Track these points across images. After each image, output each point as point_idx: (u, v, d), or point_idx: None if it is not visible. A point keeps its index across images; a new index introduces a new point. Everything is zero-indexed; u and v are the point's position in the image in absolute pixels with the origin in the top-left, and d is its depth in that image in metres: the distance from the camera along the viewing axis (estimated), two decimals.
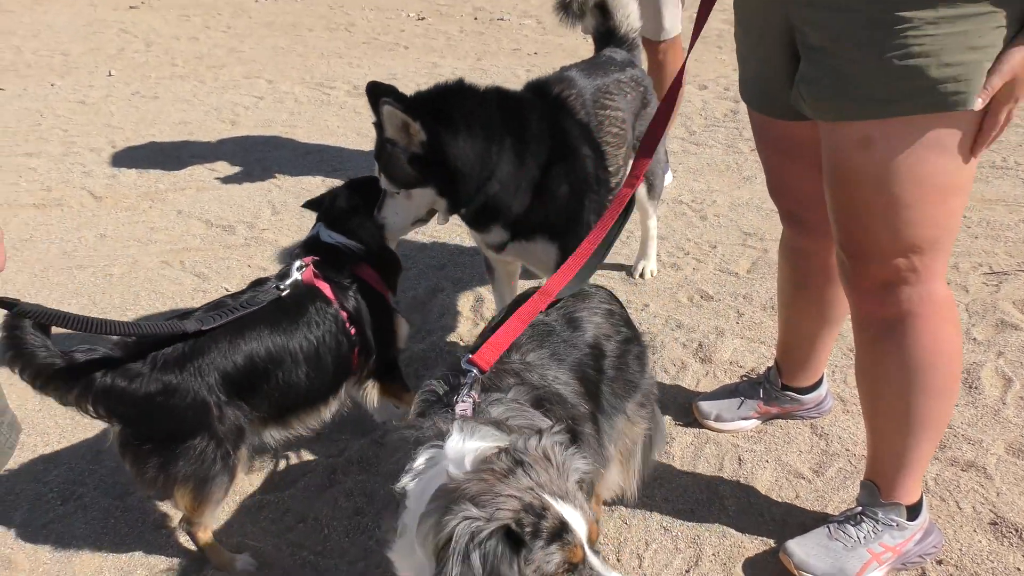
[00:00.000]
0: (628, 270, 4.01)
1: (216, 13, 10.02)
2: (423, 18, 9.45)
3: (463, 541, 1.39)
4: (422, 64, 7.64)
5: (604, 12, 3.40)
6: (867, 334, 2.18)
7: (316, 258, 2.60)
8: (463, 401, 1.75)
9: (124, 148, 5.90)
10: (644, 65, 3.66)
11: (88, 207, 5.00)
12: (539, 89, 3.01)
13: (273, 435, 2.53)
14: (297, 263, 2.55)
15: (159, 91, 7.15)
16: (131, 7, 10.35)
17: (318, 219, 2.78)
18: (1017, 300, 3.57)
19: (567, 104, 2.93)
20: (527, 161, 2.72)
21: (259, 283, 2.57)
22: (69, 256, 4.43)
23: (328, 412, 2.66)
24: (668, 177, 4.87)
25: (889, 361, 2.14)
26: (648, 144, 2.27)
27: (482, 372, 1.83)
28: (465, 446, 1.56)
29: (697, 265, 4.03)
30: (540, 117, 2.80)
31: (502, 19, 9.13)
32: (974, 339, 3.34)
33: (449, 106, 2.61)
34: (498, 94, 2.79)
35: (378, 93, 2.66)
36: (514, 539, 1.40)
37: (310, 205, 2.86)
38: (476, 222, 2.85)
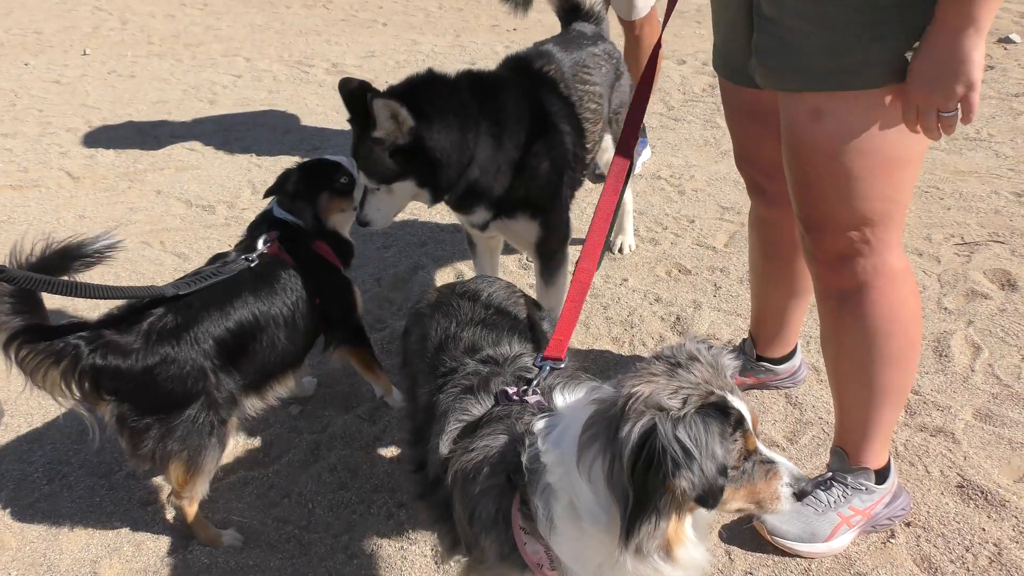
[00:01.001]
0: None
1: None
2: None
3: (668, 430, 1.34)
4: (401, 41, 7.60)
5: None
6: (828, 304, 2.23)
7: (278, 232, 2.67)
8: (534, 393, 1.74)
9: (101, 128, 5.86)
10: (612, 37, 3.65)
11: (66, 187, 4.98)
12: (518, 65, 3.02)
13: (253, 405, 2.60)
14: (263, 237, 2.63)
15: (136, 70, 7.09)
16: None
17: (267, 195, 2.85)
18: (988, 270, 3.64)
19: (548, 79, 2.94)
20: (505, 143, 2.74)
21: (220, 257, 2.65)
22: (48, 237, 4.40)
23: (296, 378, 2.75)
24: (646, 152, 4.90)
25: (849, 330, 2.20)
26: (632, 120, 2.28)
27: (559, 363, 1.82)
28: (580, 397, 1.60)
29: (675, 240, 4.08)
30: (518, 95, 2.81)
31: None
32: (945, 308, 3.41)
33: (422, 99, 2.61)
34: (470, 80, 2.80)
35: (352, 89, 2.65)
36: (719, 411, 1.40)
37: (268, 193, 2.90)
38: (460, 206, 2.88)
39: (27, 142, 5.62)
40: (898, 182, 2.01)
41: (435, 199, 2.78)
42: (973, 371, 3.05)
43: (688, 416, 1.37)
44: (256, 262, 2.55)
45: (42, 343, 2.21)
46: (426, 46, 7.37)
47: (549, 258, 3.00)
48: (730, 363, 1.56)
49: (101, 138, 5.68)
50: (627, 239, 3.99)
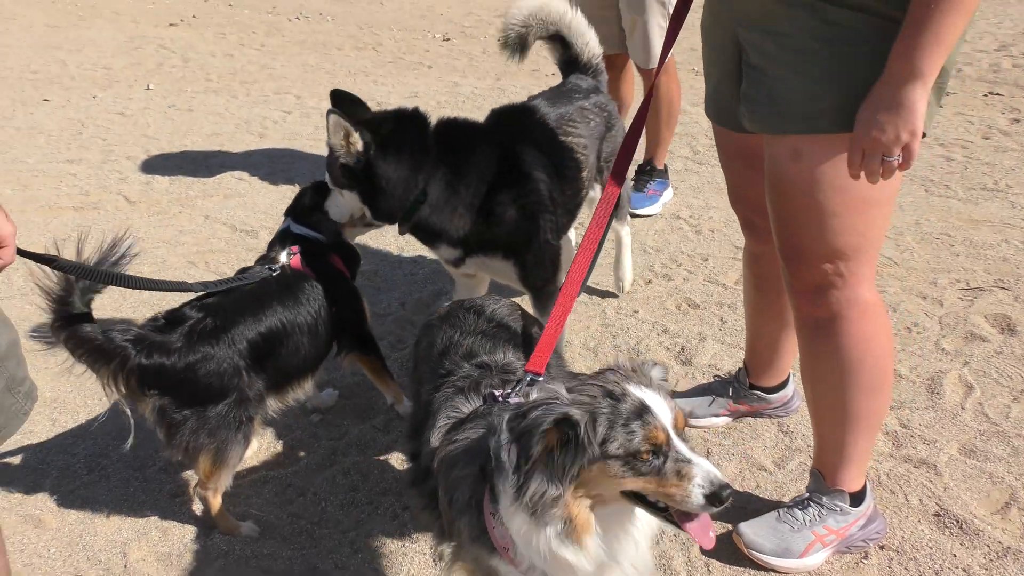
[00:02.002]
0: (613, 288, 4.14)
1: (251, 31, 10.45)
2: (448, 39, 9.80)
3: (562, 400, 1.62)
4: (443, 83, 7.96)
5: (564, 43, 3.59)
6: (805, 333, 2.40)
7: (300, 247, 2.94)
8: (515, 395, 1.93)
9: (158, 156, 6.25)
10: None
11: (123, 210, 5.34)
12: (500, 117, 3.26)
13: (272, 406, 2.84)
14: (286, 251, 2.91)
15: (194, 104, 7.53)
16: (171, 24, 10.83)
17: (286, 214, 3.11)
18: (989, 315, 3.75)
19: (525, 133, 3.15)
20: (460, 190, 2.96)
21: (244, 271, 2.92)
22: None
23: (313, 381, 2.99)
24: (668, 193, 5.10)
25: (824, 359, 2.36)
26: (625, 149, 2.44)
27: (539, 376, 2.00)
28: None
29: (688, 276, 4.25)
30: (487, 146, 3.03)
31: None
32: (942, 349, 3.52)
33: (391, 130, 2.90)
34: (444, 125, 3.05)
35: (340, 100, 3.00)
36: (614, 397, 1.62)
37: (289, 211, 3.15)
38: (419, 238, 3.12)
39: (90, 168, 6.03)
40: (870, 219, 2.19)
41: (376, 217, 3.02)
42: (963, 409, 3.16)
43: (581, 395, 1.61)
44: (277, 271, 2.82)
45: (93, 341, 2.49)
46: (467, 88, 7.71)
47: (538, 292, 3.20)
48: (656, 372, 1.76)
49: (158, 166, 6.06)
50: (626, 276, 4.05)
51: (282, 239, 3.01)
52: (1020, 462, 2.86)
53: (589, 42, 3.59)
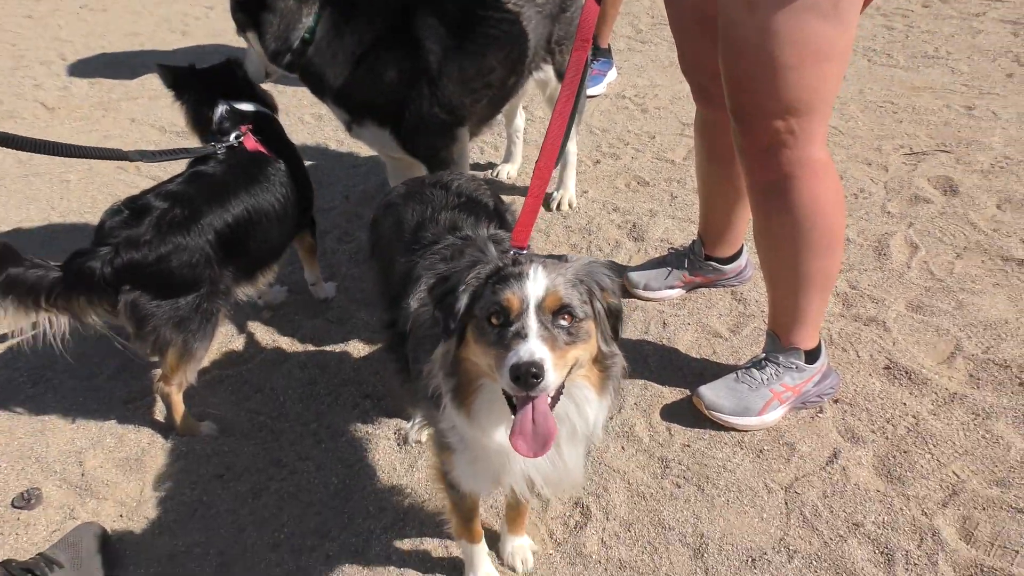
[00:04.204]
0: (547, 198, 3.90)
1: None
2: None
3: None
4: None
5: None
6: (756, 197, 2.39)
7: (250, 126, 2.83)
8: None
9: (75, 61, 5.89)
10: None
11: (41, 118, 5.05)
12: None
13: (244, 292, 2.82)
14: (235, 133, 2.78)
15: (107, 3, 7.08)
16: None
17: (217, 93, 2.96)
18: (932, 177, 3.79)
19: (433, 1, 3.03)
20: (345, 35, 2.92)
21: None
22: (25, 165, 4.50)
23: (279, 264, 2.96)
24: (612, 74, 5.00)
25: (776, 220, 2.36)
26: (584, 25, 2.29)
27: (523, 250, 1.90)
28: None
29: (635, 154, 4.20)
30: (388, 3, 2.96)
31: None
32: (888, 212, 3.57)
33: None
34: None
35: None
36: (493, 268, 1.60)
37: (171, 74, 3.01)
38: (311, 88, 3.06)
39: (1, 75, 5.65)
40: (823, 74, 2.14)
41: (276, 62, 2.96)
42: (909, 268, 3.22)
43: (472, 262, 1.61)
44: (224, 148, 2.73)
45: (65, 285, 2.40)
46: None
47: (428, 162, 3.12)
48: (580, 263, 1.64)
49: (75, 70, 5.72)
50: (568, 194, 3.85)
51: (233, 120, 2.88)
52: (964, 314, 2.94)
53: None
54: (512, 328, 1.48)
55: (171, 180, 2.68)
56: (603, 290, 1.61)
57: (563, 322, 1.51)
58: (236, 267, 2.69)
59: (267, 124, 2.94)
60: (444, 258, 2.03)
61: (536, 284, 1.51)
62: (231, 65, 3.02)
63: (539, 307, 1.50)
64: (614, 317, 1.63)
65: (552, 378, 1.43)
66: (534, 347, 1.43)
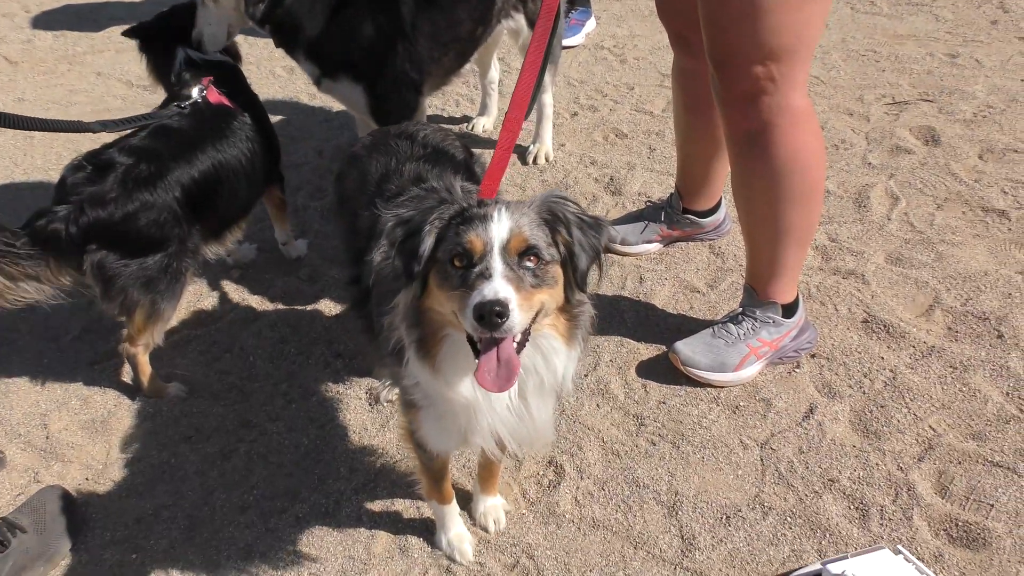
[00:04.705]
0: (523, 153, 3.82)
1: None
2: None
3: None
4: None
5: None
6: (736, 147, 2.32)
7: (211, 77, 2.72)
8: None
9: (39, 13, 5.70)
10: None
11: (4, 72, 4.89)
12: None
13: (213, 251, 2.74)
14: (197, 87, 2.67)
15: None
16: None
17: (177, 39, 2.86)
18: (914, 127, 3.73)
19: None
20: None
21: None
22: None
23: (247, 221, 2.88)
24: (591, 23, 4.88)
25: (755, 171, 2.30)
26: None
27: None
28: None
29: (614, 106, 4.11)
30: None
31: None
32: (869, 163, 3.51)
33: None
34: None
35: None
36: (458, 210, 1.54)
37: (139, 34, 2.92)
38: (282, 41, 2.94)
39: None
40: (805, 18, 2.07)
41: (249, 10, 2.83)
42: (889, 219, 3.18)
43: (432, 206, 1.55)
44: (188, 108, 2.61)
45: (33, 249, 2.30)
46: None
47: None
48: (551, 201, 1.58)
49: (37, 22, 5.54)
50: (544, 147, 3.75)
51: (193, 70, 2.78)
52: (943, 266, 2.91)
53: None
54: (476, 269, 1.44)
55: (134, 134, 2.57)
56: (567, 223, 1.55)
57: (529, 264, 1.48)
58: (204, 225, 2.61)
59: (231, 75, 2.83)
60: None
61: (500, 225, 1.47)
62: (195, 8, 2.89)
63: (504, 248, 1.45)
64: (592, 251, 1.59)
65: (517, 318, 1.39)
66: (498, 286, 1.39)
